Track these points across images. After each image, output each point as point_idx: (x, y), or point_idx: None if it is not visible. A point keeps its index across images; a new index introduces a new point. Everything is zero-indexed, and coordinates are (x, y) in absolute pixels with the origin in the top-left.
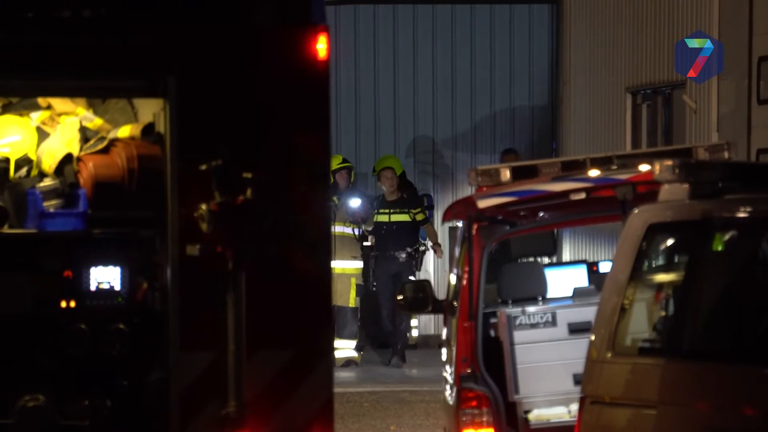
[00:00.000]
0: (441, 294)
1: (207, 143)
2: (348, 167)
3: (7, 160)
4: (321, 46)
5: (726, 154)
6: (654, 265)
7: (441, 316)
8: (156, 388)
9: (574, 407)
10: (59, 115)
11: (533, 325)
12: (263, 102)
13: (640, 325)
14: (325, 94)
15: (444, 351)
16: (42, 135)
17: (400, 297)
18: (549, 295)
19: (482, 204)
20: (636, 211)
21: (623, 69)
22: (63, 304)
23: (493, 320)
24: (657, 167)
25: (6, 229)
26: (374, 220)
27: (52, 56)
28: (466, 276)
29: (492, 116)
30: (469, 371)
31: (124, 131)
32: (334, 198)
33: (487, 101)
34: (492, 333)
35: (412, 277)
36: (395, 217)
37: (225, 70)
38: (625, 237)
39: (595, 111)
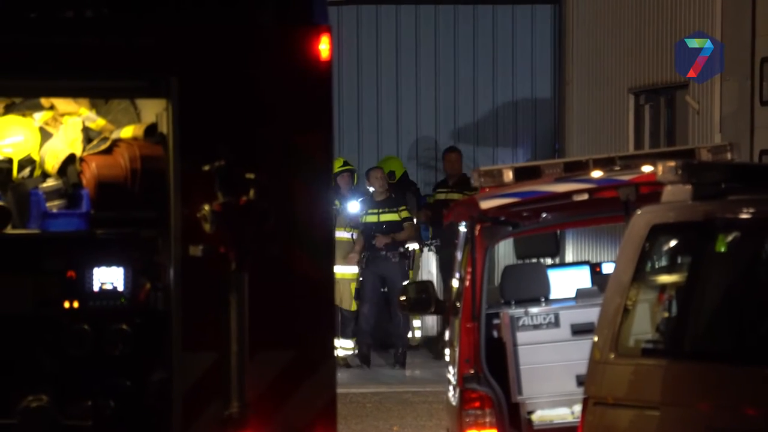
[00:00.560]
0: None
1: (210, 144)
2: (350, 170)
3: (10, 161)
4: (323, 47)
5: (729, 155)
6: (657, 266)
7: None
8: (159, 389)
9: (577, 408)
10: (62, 115)
11: (536, 326)
12: (266, 102)
13: (643, 326)
14: (327, 94)
15: (447, 352)
16: (45, 135)
17: (402, 298)
18: (552, 296)
19: (485, 205)
20: (639, 212)
21: (626, 70)
22: (66, 304)
23: (496, 321)
24: (660, 168)
25: (9, 230)
26: (363, 221)
27: (55, 57)
28: (468, 277)
29: (494, 117)
30: (472, 372)
31: (127, 132)
32: (336, 202)
33: (490, 102)
34: (495, 334)
35: (405, 280)
36: (384, 217)
37: (228, 70)
38: (628, 238)
39: (597, 112)
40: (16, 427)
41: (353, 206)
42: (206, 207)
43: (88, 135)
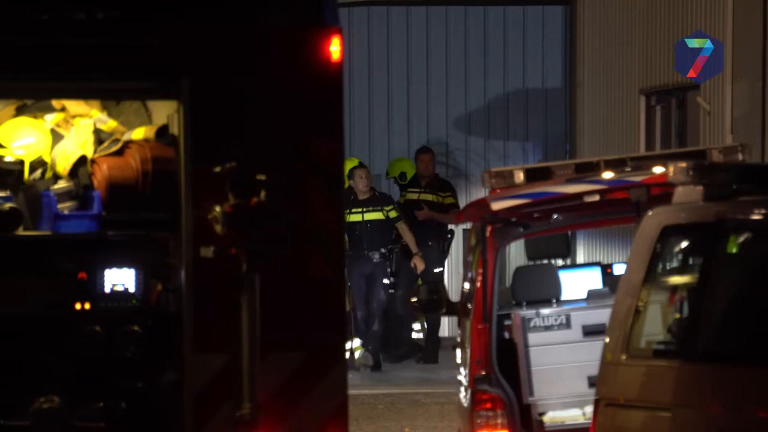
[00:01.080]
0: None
1: (221, 145)
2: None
3: (21, 163)
4: (334, 48)
5: (740, 156)
6: (668, 267)
7: (455, 318)
8: (170, 390)
9: (589, 409)
10: (73, 117)
11: (547, 327)
12: (277, 104)
13: (654, 327)
14: (338, 95)
15: (458, 353)
16: (56, 137)
17: (414, 299)
18: (563, 297)
19: (496, 206)
20: (650, 213)
21: (637, 71)
22: (77, 306)
23: (507, 322)
24: (671, 169)
25: (20, 232)
26: (347, 220)
27: (66, 58)
28: (480, 278)
29: (506, 116)
30: (483, 373)
31: (138, 133)
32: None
33: (501, 101)
34: (506, 335)
35: (386, 280)
36: (369, 216)
37: (238, 72)
38: (639, 239)
39: (608, 113)
40: (28, 428)
41: None
42: (217, 208)
43: (100, 137)
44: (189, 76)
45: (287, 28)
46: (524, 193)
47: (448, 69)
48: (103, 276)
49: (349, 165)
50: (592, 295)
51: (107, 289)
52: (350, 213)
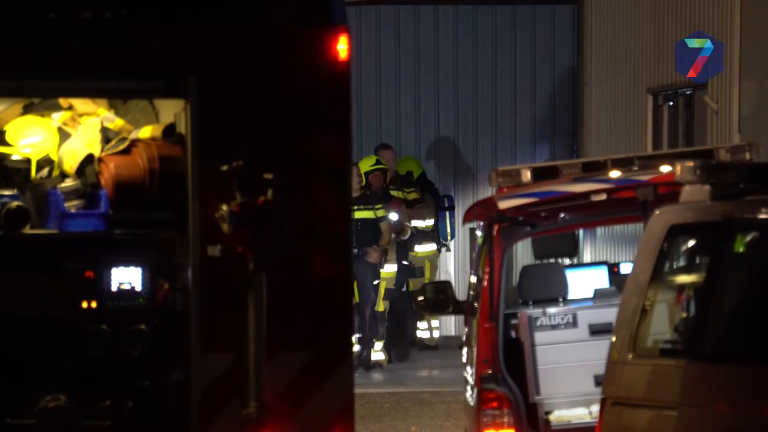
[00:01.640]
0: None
1: (228, 144)
2: (382, 169)
3: (28, 161)
4: (342, 47)
5: (747, 155)
6: (675, 267)
7: (461, 317)
8: (177, 389)
9: (595, 408)
10: (80, 115)
11: (554, 326)
12: (284, 102)
13: (661, 326)
14: (345, 94)
15: (465, 352)
16: (63, 136)
17: (420, 298)
18: (570, 297)
19: (503, 205)
20: (657, 212)
21: (644, 70)
22: (84, 304)
23: (513, 321)
24: (678, 168)
25: (27, 230)
26: None
27: (73, 57)
28: (486, 277)
29: (513, 117)
30: (489, 372)
31: (145, 132)
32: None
33: (509, 102)
34: (513, 334)
35: (375, 281)
36: (359, 214)
37: (246, 70)
38: (646, 238)
39: (616, 112)
40: (34, 427)
41: (393, 215)
42: (224, 207)
43: (107, 135)
44: (196, 75)
45: (294, 27)
46: (531, 192)
47: (456, 67)
48: (110, 275)
49: (367, 164)
50: (599, 294)
51: (114, 288)
52: None
